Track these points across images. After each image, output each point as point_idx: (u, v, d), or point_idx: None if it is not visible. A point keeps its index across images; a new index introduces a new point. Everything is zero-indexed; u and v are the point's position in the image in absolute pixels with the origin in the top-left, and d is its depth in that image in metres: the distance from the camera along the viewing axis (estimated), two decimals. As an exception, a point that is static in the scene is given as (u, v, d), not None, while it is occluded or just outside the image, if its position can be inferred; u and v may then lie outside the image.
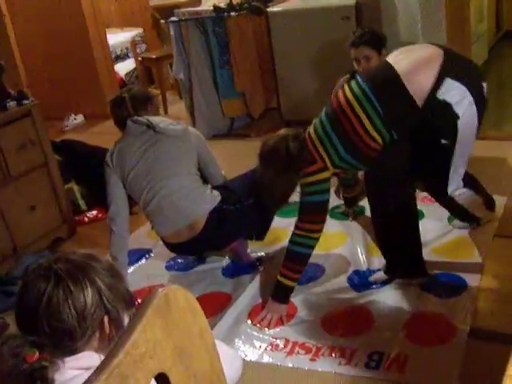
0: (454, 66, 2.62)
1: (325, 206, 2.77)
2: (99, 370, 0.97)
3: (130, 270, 3.47)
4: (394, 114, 2.59)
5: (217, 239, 3.14)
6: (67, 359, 1.34)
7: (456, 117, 2.57)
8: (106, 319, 1.40)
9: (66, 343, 1.37)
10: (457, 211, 3.23)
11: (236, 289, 3.17)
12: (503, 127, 4.44)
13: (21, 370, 1.29)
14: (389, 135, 2.60)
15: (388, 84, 2.62)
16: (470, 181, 2.97)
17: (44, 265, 1.42)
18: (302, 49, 5.10)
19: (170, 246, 3.24)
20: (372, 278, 3.02)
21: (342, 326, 2.75)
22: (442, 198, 3.00)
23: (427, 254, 3.14)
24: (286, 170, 2.74)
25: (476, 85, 2.65)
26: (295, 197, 2.89)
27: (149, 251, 3.70)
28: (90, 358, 1.35)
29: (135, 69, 7.79)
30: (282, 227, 3.48)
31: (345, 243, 3.41)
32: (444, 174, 2.75)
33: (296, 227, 2.80)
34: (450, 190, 2.82)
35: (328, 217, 3.60)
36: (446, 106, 2.56)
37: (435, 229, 3.37)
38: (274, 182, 2.81)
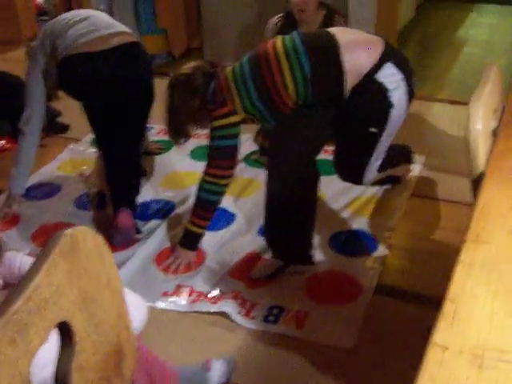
0: (393, 53, 2.59)
1: (233, 151, 2.66)
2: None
3: (39, 203, 3.36)
4: (320, 80, 2.51)
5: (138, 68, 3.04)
6: None
7: (390, 105, 2.54)
8: None
9: None
10: (373, 184, 3.15)
11: (145, 232, 3.08)
12: (424, 87, 4.47)
13: None
14: (304, 98, 2.53)
15: (324, 50, 2.54)
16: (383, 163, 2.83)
17: None
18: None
19: (74, 73, 2.96)
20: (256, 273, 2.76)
21: (247, 277, 2.72)
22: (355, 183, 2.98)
23: (341, 210, 3.15)
24: (192, 99, 2.67)
25: (411, 76, 2.62)
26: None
27: (58, 187, 3.53)
28: None
29: (53, -5, 7.42)
30: (194, 170, 3.39)
31: (257, 191, 3.33)
32: (362, 164, 2.72)
33: (204, 173, 2.70)
34: (364, 181, 2.80)
35: (243, 163, 3.60)
36: (382, 91, 2.52)
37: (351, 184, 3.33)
38: (178, 109, 2.73)
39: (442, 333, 1.07)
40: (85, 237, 1.06)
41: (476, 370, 1.00)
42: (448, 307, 1.12)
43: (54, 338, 1.04)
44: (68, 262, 1.01)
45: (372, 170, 2.75)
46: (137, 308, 1.56)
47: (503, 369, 1.01)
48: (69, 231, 1.03)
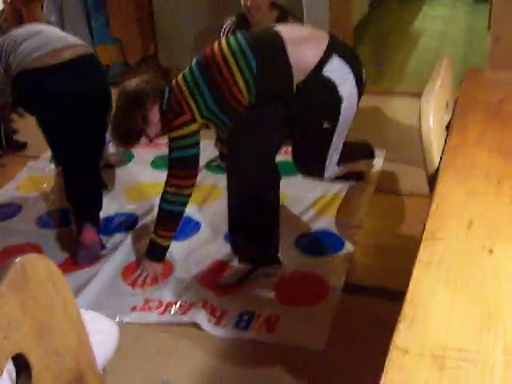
0: (339, 46, 2.60)
1: (195, 160, 2.64)
2: None
3: (1, 225, 3.29)
4: (268, 76, 2.52)
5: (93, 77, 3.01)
6: None
7: (339, 99, 2.55)
8: None
9: None
10: (336, 179, 3.20)
11: (110, 246, 3.03)
12: (382, 81, 4.50)
13: None
14: (256, 95, 2.52)
15: (269, 46, 2.55)
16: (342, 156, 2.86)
17: None
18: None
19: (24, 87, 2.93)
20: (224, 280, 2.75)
21: (216, 285, 2.70)
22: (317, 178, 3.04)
23: (305, 210, 3.15)
24: (136, 110, 2.62)
25: (358, 68, 2.63)
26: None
27: (19, 207, 3.46)
28: None
29: (3, 10, 7.32)
30: (156, 181, 3.33)
31: (220, 197, 3.30)
32: (321, 159, 2.74)
33: (166, 184, 2.67)
34: (326, 175, 2.83)
35: (204, 170, 3.57)
36: (331, 86, 2.53)
37: (315, 183, 3.32)
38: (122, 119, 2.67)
39: (402, 335, 1.06)
40: (34, 264, 1.03)
41: (437, 371, 1.00)
42: (407, 309, 1.11)
43: (10, 370, 1.01)
44: (18, 293, 0.98)
45: (331, 164, 2.77)
46: (106, 332, 1.53)
47: (465, 368, 1.00)
48: (17, 260, 1.00)
